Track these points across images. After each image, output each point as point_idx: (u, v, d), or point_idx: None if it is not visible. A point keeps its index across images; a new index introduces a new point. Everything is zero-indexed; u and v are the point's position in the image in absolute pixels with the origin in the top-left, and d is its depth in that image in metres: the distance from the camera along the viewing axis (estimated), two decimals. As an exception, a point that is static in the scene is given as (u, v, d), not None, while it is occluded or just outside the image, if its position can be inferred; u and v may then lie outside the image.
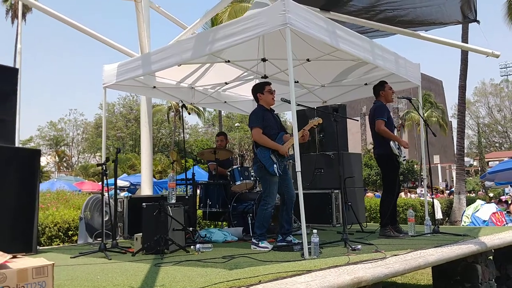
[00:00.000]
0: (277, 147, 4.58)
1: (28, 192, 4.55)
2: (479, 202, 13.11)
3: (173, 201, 4.85)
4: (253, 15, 4.29)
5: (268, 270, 3.12)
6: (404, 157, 5.42)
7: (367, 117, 7.49)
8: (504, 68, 65.87)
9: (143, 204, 4.57)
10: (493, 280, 5.00)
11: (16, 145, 8.21)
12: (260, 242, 4.50)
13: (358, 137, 45.46)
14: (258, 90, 4.90)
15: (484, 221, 12.08)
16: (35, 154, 4.83)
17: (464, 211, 13.37)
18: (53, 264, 2.19)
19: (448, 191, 27.19)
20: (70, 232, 6.62)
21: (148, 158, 6.85)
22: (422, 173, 36.17)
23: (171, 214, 4.46)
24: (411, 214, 5.59)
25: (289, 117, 41.82)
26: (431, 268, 5.13)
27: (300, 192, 3.89)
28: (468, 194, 26.29)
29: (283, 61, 6.10)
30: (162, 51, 5.10)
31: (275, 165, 4.53)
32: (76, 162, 56.27)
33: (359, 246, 4.22)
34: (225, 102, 7.61)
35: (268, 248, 4.42)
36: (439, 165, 44.54)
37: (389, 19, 6.78)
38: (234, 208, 5.92)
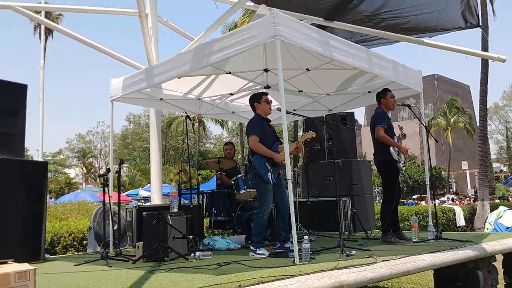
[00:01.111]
0: (272, 155, 4.70)
1: (36, 202, 4.79)
2: (502, 208, 12.82)
3: (175, 210, 5.01)
4: (246, 27, 4.43)
5: (253, 275, 3.21)
6: (404, 163, 5.43)
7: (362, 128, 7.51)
8: (534, 70, 63.99)
9: (143, 213, 4.73)
10: (496, 286, 4.92)
11: (41, 158, 8.66)
12: (257, 249, 4.60)
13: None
14: (255, 99, 5.04)
15: (507, 227, 11.81)
16: (43, 166, 5.08)
17: (487, 217, 13.08)
18: (35, 269, 2.35)
19: (474, 198, 26.49)
20: (84, 242, 6.88)
21: (157, 169, 7.05)
22: (450, 180, 35.25)
23: (170, 223, 4.60)
24: (415, 221, 5.57)
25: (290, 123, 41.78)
26: (433, 274, 5.10)
27: (291, 199, 3.97)
28: (498, 200, 25.61)
29: (285, 71, 6.21)
30: (163, 64, 5.30)
31: (269, 173, 4.64)
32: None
33: (354, 252, 4.26)
34: (233, 112, 7.76)
35: (265, 255, 4.51)
36: (467, 171, 43.51)
37: (392, 27, 6.82)
38: (238, 216, 6.05)
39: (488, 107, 18.45)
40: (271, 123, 5.17)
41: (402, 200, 29.87)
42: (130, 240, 6.22)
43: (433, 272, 5.09)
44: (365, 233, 6.25)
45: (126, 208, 6.30)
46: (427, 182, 5.82)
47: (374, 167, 6.17)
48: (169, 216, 4.67)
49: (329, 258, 4.00)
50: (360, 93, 6.92)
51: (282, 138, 4.69)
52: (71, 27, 7.71)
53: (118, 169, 4.87)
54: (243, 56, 5.63)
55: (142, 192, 27.14)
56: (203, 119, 46.13)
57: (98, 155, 58.60)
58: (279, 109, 4.84)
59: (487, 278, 4.75)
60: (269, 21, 4.12)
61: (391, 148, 5.33)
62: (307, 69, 6.05)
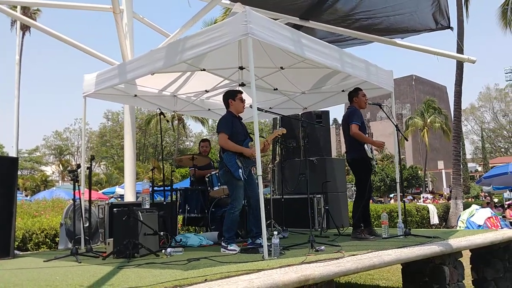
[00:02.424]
0: (241, 149, 4.78)
1: (5, 198, 4.71)
2: (474, 207, 13.15)
3: (147, 206, 5.00)
4: (219, 25, 4.45)
5: (221, 270, 3.24)
6: (376, 161, 5.55)
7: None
8: (510, 73, 65.66)
9: (114, 209, 4.71)
10: (462, 281, 5.07)
11: (15, 154, 8.49)
12: (228, 245, 4.64)
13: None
14: (230, 96, 5.08)
15: (479, 225, 12.10)
16: (12, 161, 5.01)
17: (460, 216, 13.40)
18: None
19: (448, 196, 27.06)
20: (57, 239, 6.78)
21: (131, 166, 7.00)
22: (426, 179, 35.88)
23: (141, 219, 4.59)
24: (385, 217, 5.68)
25: (269, 120, 41.90)
26: (401, 269, 5.22)
27: (261, 194, 4.02)
28: (473, 199, 26.20)
29: (261, 69, 6.27)
30: (136, 60, 5.28)
31: (240, 170, 4.70)
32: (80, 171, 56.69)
33: (323, 247, 4.32)
34: (209, 109, 7.77)
35: (236, 250, 4.55)
36: (443, 170, 44.37)
37: (366, 28, 6.93)
38: (212, 213, 6.06)
39: (464, 108, 18.89)
40: (246, 120, 5.22)
41: (380, 199, 30.32)
42: (102, 237, 6.18)
43: (401, 268, 5.23)
44: (337, 230, 6.35)
45: (99, 205, 6.25)
46: (397, 180, 5.95)
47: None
48: (140, 213, 4.66)
49: (298, 254, 4.05)
50: (334, 92, 7.02)
51: (253, 135, 4.75)
52: (52, 23, 7.56)
53: (88, 166, 4.82)
54: (218, 53, 5.66)
55: (119, 190, 26.81)
56: (182, 116, 45.93)
57: (75, 153, 57.68)
58: (251, 106, 4.89)
59: (453, 274, 4.89)
60: (241, 19, 4.15)
61: (365, 145, 5.43)
62: (281, 67, 6.10)
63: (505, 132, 65.71)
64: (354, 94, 5.73)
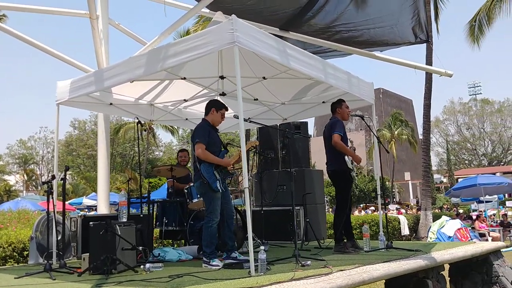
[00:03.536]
0: (220, 161, 4.66)
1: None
2: (444, 218, 13.38)
3: (124, 219, 4.79)
4: (203, 33, 4.34)
5: (208, 288, 3.09)
6: (356, 173, 5.53)
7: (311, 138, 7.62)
8: (473, 87, 68.32)
9: (90, 223, 4.48)
10: (444, 294, 5.06)
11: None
12: (211, 261, 4.47)
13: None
14: (215, 106, 4.97)
15: (449, 237, 12.31)
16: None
17: (430, 227, 13.62)
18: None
19: (417, 207, 27.61)
20: (25, 253, 6.42)
21: (105, 176, 6.74)
22: (393, 190, 36.60)
23: (119, 233, 4.37)
24: (366, 230, 5.65)
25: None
26: (384, 283, 5.17)
27: (248, 208, 3.89)
28: (438, 210, 26.82)
29: (242, 79, 6.13)
30: (114, 67, 5.08)
31: (218, 182, 4.58)
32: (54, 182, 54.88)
33: (309, 262, 4.23)
34: (187, 119, 7.59)
35: (219, 266, 4.40)
36: (410, 181, 45.40)
37: (346, 40, 6.96)
38: (191, 226, 5.86)
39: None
40: (222, 131, 5.12)
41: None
42: (75, 251, 5.88)
43: (384, 281, 5.17)
44: (318, 242, 6.27)
45: (71, 218, 5.95)
46: (378, 192, 5.94)
47: (325, 176, 6.22)
48: (117, 226, 4.44)
49: (284, 269, 3.94)
50: (314, 103, 6.98)
51: (229, 146, 4.65)
52: (21, 28, 7.23)
53: (63, 176, 4.57)
54: (199, 62, 5.52)
55: (86, 201, 26.12)
56: (152, 126, 45.27)
57: (40, 162, 55.82)
58: (236, 116, 4.78)
59: (436, 287, 4.87)
60: (227, 27, 4.05)
61: (346, 157, 5.39)
62: (264, 78, 6.02)
63: (469, 145, 68.02)
64: (338, 105, 5.70)
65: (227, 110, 5.01)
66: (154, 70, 4.63)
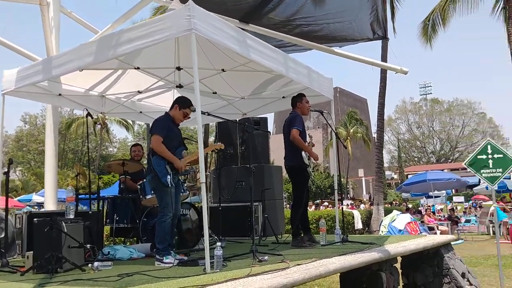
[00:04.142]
0: (173, 160, 4.48)
1: None
2: (395, 212, 13.76)
3: (71, 216, 4.52)
4: (159, 19, 4.13)
5: (160, 287, 2.93)
6: (313, 169, 5.52)
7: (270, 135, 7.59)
8: (424, 87, 71.09)
9: (34, 219, 4.19)
10: (397, 287, 5.13)
11: None
12: (164, 258, 4.31)
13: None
14: (178, 102, 4.75)
15: (400, 230, 12.66)
16: None
17: (382, 221, 13.98)
18: None
19: (370, 202, 28.37)
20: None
21: (52, 171, 6.37)
22: (348, 186, 37.54)
23: (65, 231, 4.11)
24: (323, 224, 5.66)
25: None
26: (339, 276, 5.19)
27: (204, 204, 3.75)
28: (389, 205, 27.67)
29: (199, 71, 5.94)
30: (64, 55, 4.78)
31: (168, 176, 4.43)
32: (-1, 176, 52.15)
33: (266, 257, 4.16)
34: (141, 112, 7.31)
35: (172, 263, 4.24)
36: (363, 178, 46.66)
37: (306, 34, 6.93)
38: (144, 223, 5.63)
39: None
40: (182, 125, 4.93)
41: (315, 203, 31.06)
42: (20, 249, 5.54)
43: (339, 274, 5.18)
44: (276, 238, 6.22)
45: (16, 214, 5.59)
46: (335, 187, 5.95)
47: (285, 173, 6.18)
48: (64, 223, 4.17)
49: (241, 265, 3.84)
50: (274, 98, 6.92)
51: (188, 144, 4.50)
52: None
53: (6, 170, 4.25)
54: (154, 51, 5.31)
55: (36, 198, 24.94)
56: (106, 121, 43.92)
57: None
58: (193, 110, 4.61)
59: (389, 280, 4.92)
60: (184, 13, 3.87)
61: (303, 152, 5.36)
62: (223, 70, 5.87)
63: (418, 143, 70.82)
64: (298, 100, 5.63)
65: (192, 111, 4.73)
66: (105, 57, 4.37)
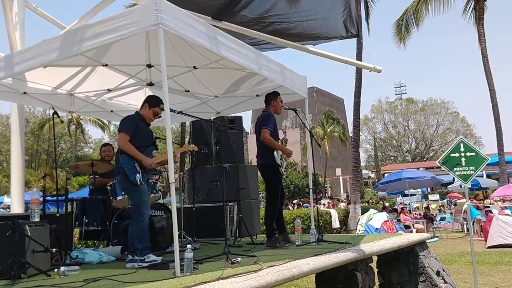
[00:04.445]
0: (140, 157, 4.35)
1: None
2: (372, 211, 13.86)
3: (36, 219, 4.32)
4: (125, 13, 3.97)
5: (126, 292, 2.80)
6: (286, 168, 5.45)
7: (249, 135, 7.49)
8: (398, 87, 72.31)
9: (-5, 223, 3.98)
10: (373, 287, 5.10)
11: None
12: (145, 257, 4.21)
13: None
14: (148, 101, 4.65)
15: (377, 229, 12.76)
16: None
17: (359, 220, 14.05)
18: None
19: (347, 201, 28.56)
20: None
21: (19, 172, 6.11)
22: (326, 185, 37.70)
23: (29, 234, 3.92)
24: (298, 224, 5.59)
25: (177, 126, 41.18)
26: (315, 277, 5.13)
27: (173, 205, 3.62)
28: (366, 204, 27.93)
29: (171, 68, 5.83)
30: (26, 51, 4.56)
31: (138, 175, 4.30)
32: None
33: (239, 259, 4.05)
34: (112, 111, 7.11)
35: (157, 260, 4.18)
36: (340, 177, 47.02)
37: (279, 32, 6.86)
38: (115, 226, 5.45)
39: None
40: (154, 125, 4.80)
41: (292, 204, 31.11)
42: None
43: (315, 274, 5.13)
44: (251, 238, 6.13)
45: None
46: (310, 186, 5.89)
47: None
48: (27, 226, 3.98)
49: (213, 267, 3.73)
50: (248, 97, 6.82)
51: (164, 143, 4.36)
52: None
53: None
54: (123, 48, 5.14)
55: (8, 200, 24.17)
56: (81, 121, 43.07)
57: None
58: (163, 109, 4.47)
59: (365, 279, 4.89)
60: (151, 7, 3.74)
61: (275, 152, 5.29)
62: (194, 67, 5.74)
63: (394, 142, 71.82)
64: (273, 98, 5.55)
65: (162, 109, 4.60)
66: (69, 53, 4.19)
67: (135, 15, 3.83)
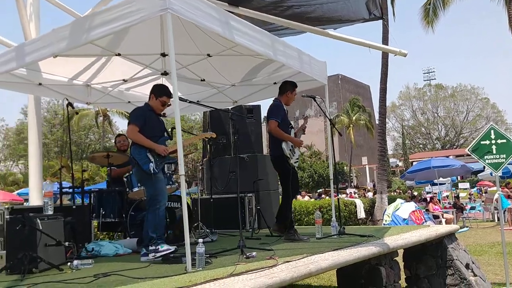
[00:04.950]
0: (152, 145, 4.26)
1: None
2: (399, 201, 13.45)
3: (50, 212, 4.26)
4: (132, -1, 3.81)
5: (132, 289, 2.68)
6: (297, 158, 5.23)
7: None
8: (427, 73, 70.43)
9: (6, 216, 3.94)
10: (399, 282, 4.87)
11: None
12: (159, 247, 4.08)
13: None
14: (154, 91, 4.54)
15: (404, 219, 12.36)
16: None
17: (385, 210, 13.69)
18: None
19: (374, 190, 28.04)
20: None
21: (37, 164, 6.12)
22: (351, 174, 37.13)
23: (40, 228, 3.86)
24: (318, 216, 5.37)
25: (200, 116, 41.19)
26: (336, 271, 4.93)
27: (184, 196, 3.48)
28: (394, 193, 27.36)
29: (185, 56, 5.69)
30: (37, 40, 4.49)
31: (151, 164, 4.19)
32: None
33: (254, 253, 3.88)
34: (129, 102, 7.02)
35: (171, 249, 4.04)
36: (367, 166, 46.27)
37: (298, 16, 6.60)
38: (131, 218, 5.39)
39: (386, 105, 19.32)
40: (170, 116, 4.68)
41: (309, 194, 30.81)
42: (2, 247, 5.29)
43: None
44: (269, 231, 5.95)
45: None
46: (331, 176, 5.66)
47: None
48: (39, 220, 3.92)
49: (227, 262, 3.58)
50: (266, 84, 6.60)
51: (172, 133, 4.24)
52: None
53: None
54: (137, 37, 5.01)
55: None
56: (108, 113, 43.67)
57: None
58: (182, 99, 4.40)
59: (390, 274, 4.67)
60: (159, -9, 3.57)
61: (283, 143, 5.09)
62: (209, 55, 5.56)
63: (423, 129, 70.15)
64: (290, 88, 5.33)
65: (169, 97, 4.51)
66: (78, 42, 4.08)
67: (142, 0, 3.67)
